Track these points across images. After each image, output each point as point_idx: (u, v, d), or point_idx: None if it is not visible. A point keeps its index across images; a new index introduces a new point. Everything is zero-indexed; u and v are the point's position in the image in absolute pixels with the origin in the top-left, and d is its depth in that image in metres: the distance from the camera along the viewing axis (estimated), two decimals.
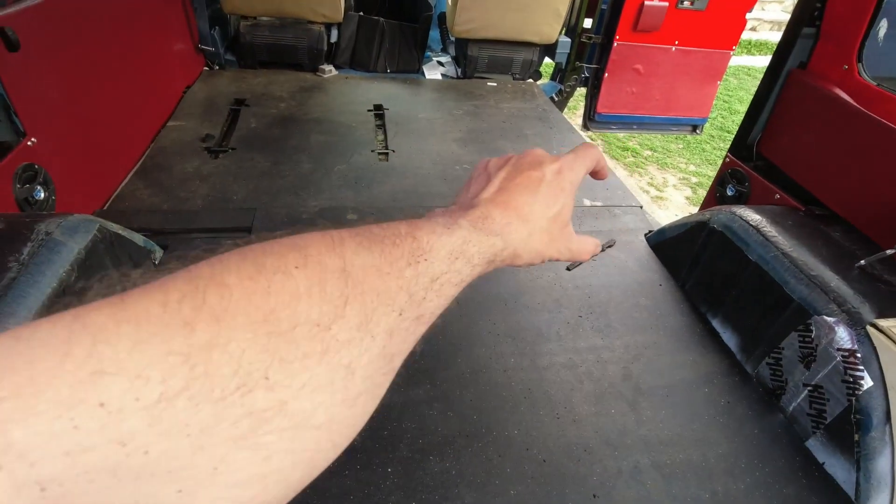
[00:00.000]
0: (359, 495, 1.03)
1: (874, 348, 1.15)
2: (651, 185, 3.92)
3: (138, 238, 1.41)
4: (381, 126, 2.43)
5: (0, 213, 1.19)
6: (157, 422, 0.18)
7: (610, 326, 1.51)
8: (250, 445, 0.21)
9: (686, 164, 4.35)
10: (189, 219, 1.67)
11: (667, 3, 2.84)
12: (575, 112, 4.76)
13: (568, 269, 1.71)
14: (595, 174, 0.49)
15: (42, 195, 1.40)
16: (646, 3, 2.80)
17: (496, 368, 1.33)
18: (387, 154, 2.20)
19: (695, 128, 3.46)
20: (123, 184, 1.81)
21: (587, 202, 2.08)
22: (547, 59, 3.27)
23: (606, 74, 3.04)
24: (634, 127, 3.32)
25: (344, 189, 1.94)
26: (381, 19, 2.93)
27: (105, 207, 1.68)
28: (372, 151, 2.20)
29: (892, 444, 1.11)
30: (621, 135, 4.50)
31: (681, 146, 4.58)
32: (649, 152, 4.38)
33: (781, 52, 1.63)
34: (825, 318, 1.23)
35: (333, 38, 2.86)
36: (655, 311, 1.59)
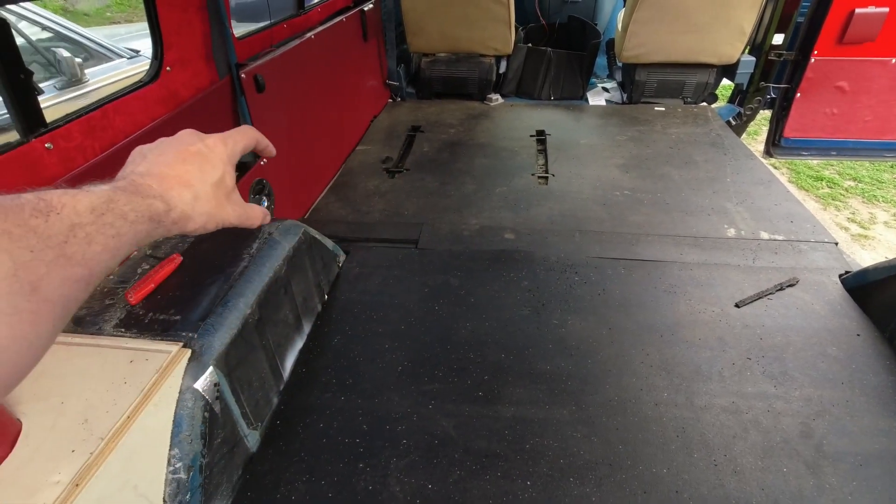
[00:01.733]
0: (497, 502, 1.08)
1: None
2: (852, 220, 3.33)
3: (329, 243, 1.67)
4: (543, 151, 2.50)
5: None
6: None
7: (786, 374, 1.34)
8: None
9: None
10: (368, 229, 1.93)
11: (887, 9, 2.44)
12: (755, 138, 4.28)
13: (737, 305, 1.56)
14: (261, 153, 0.58)
15: (266, 204, 1.75)
16: (857, 10, 2.45)
17: (646, 401, 1.28)
18: (546, 178, 2.25)
19: None
20: (320, 197, 2.15)
21: (765, 235, 1.88)
22: (725, 81, 3.03)
23: (799, 94, 2.71)
24: (833, 153, 2.88)
25: (503, 210, 2.04)
26: (549, 49, 3.03)
27: (306, 216, 2.02)
28: (532, 175, 2.27)
29: None
30: (815, 162, 3.91)
31: None
32: (851, 182, 3.73)
33: None
34: None
35: (502, 69, 3.03)
36: (850, 364, 1.37)
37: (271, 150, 0.59)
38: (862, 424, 1.22)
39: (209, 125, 1.59)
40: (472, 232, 1.91)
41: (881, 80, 2.64)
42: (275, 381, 1.30)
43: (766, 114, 2.92)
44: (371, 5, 2.60)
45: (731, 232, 1.90)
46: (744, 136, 4.18)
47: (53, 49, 2.94)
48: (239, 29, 1.65)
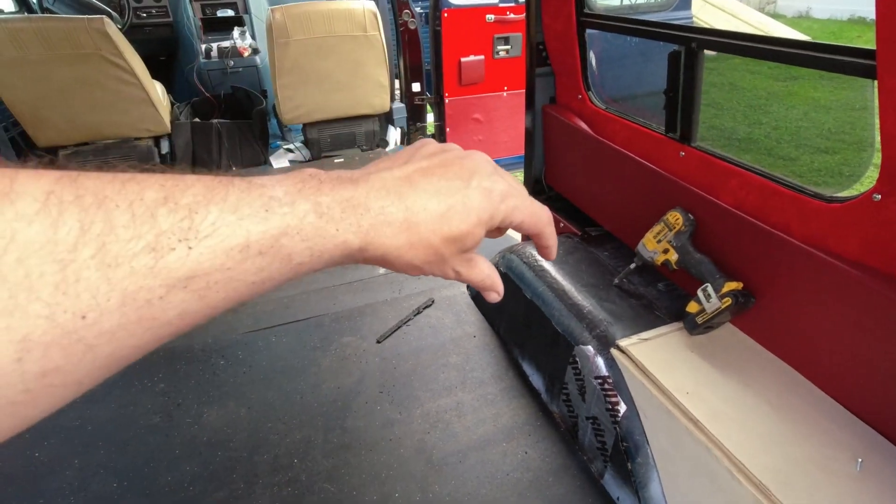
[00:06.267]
0: None
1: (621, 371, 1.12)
2: None
3: None
4: None
5: None
6: None
7: (412, 396, 1.44)
8: None
9: None
10: None
11: (483, 56, 3.01)
12: None
13: (378, 341, 1.65)
14: (538, 243, 0.40)
15: None
16: (462, 59, 2.96)
17: (274, 476, 1.23)
18: None
19: None
20: None
21: None
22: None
23: (448, 129, 3.15)
24: None
25: None
26: (215, 121, 2.96)
27: None
28: None
29: (656, 468, 1.06)
30: None
31: None
32: None
33: (529, 92, 1.71)
34: (582, 347, 1.21)
35: (165, 150, 2.84)
36: (464, 367, 1.54)
37: (551, 252, 0.41)
38: (467, 422, 1.36)
39: None
40: None
41: (502, 109, 3.24)
42: None
43: None
44: None
45: (382, 269, 2.05)
46: None
47: None
48: None
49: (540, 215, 0.38)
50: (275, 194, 0.27)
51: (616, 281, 1.33)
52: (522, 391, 1.46)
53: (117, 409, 1.42)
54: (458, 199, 0.33)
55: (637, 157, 1.31)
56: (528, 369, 1.49)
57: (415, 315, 1.76)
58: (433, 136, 3.28)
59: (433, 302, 1.82)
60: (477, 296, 1.82)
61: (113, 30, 2.28)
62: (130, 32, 2.80)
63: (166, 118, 2.73)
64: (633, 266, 1.28)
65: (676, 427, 0.97)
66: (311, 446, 1.30)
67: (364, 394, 1.45)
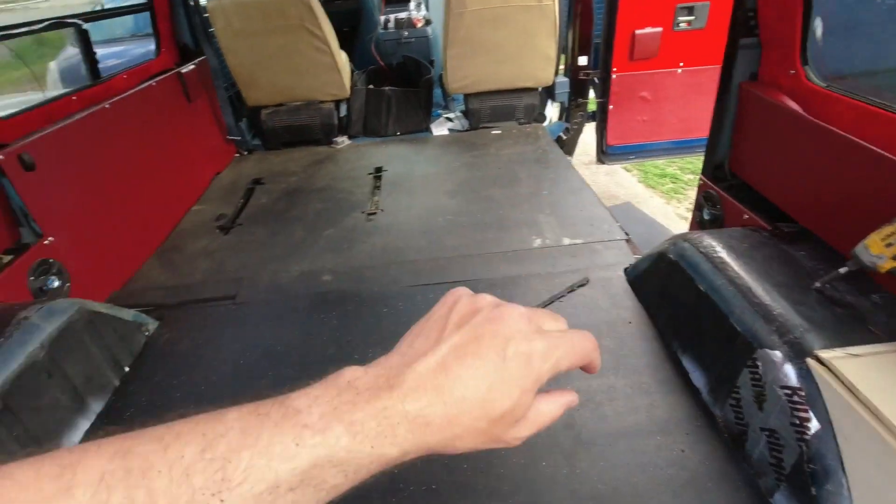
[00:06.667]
0: None
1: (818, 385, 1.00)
2: (690, 210, 3.67)
3: (127, 313, 1.62)
4: (378, 187, 2.58)
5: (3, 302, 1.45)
6: None
7: (562, 373, 1.44)
8: None
9: None
10: (185, 292, 1.89)
11: (660, 28, 2.78)
12: None
13: None
14: (586, 369, 0.40)
15: (56, 284, 1.68)
16: (637, 32, 2.77)
17: None
18: (375, 214, 2.32)
19: None
20: (143, 266, 2.09)
21: (566, 240, 2.03)
22: None
23: (611, 107, 3.00)
24: (652, 154, 3.19)
25: (327, 253, 2.08)
26: (387, 88, 3.16)
27: (121, 289, 1.96)
28: (362, 213, 2.34)
29: (850, 497, 0.94)
30: (661, 161, 4.30)
31: None
32: (691, 176, 4.13)
33: (727, 66, 1.54)
34: (768, 351, 1.09)
35: (343, 113, 3.12)
36: (618, 351, 1.49)
37: (595, 366, 0.41)
38: (619, 407, 1.33)
39: None
40: (292, 279, 1.92)
41: (675, 87, 2.98)
42: None
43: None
44: (192, 66, 2.62)
45: (538, 242, 2.05)
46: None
47: None
48: None
49: (586, 351, 0.38)
50: (309, 421, 0.29)
51: (818, 284, 1.17)
52: (680, 386, 1.38)
53: (301, 335, 1.64)
54: (497, 377, 0.32)
55: (869, 145, 1.12)
56: (689, 365, 1.40)
57: (568, 292, 1.74)
58: (593, 113, 3.15)
59: (588, 281, 1.78)
60: (635, 280, 1.74)
61: (315, 3, 2.53)
62: (324, 5, 3.09)
63: (347, 84, 2.99)
64: (842, 270, 1.12)
65: (894, 460, 0.84)
66: None
67: None
